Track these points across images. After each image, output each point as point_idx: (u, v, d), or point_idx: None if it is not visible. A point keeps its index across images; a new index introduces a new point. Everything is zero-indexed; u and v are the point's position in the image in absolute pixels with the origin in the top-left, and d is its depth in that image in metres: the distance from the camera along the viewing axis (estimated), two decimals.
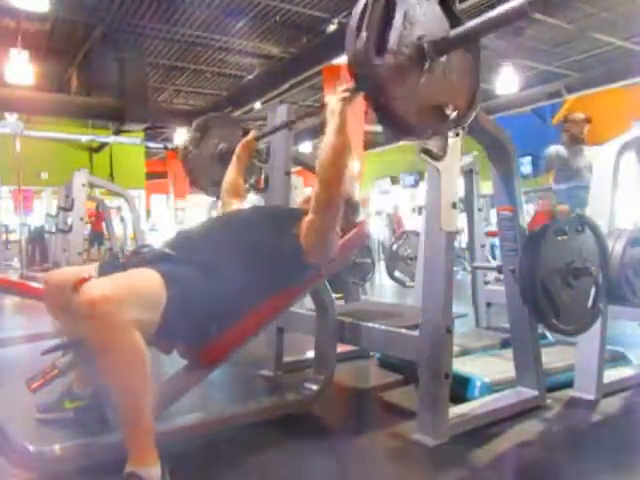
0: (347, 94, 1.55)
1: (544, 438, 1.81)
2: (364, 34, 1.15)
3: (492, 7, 1.16)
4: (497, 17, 1.13)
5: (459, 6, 1.32)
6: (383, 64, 1.16)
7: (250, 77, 8.68)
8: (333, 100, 1.58)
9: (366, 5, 1.17)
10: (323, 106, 1.63)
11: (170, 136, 12.02)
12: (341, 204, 1.60)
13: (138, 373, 1.27)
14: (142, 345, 1.28)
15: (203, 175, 2.48)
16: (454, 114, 1.28)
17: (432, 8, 1.28)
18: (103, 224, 9.17)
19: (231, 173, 2.11)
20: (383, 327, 2.05)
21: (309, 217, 1.62)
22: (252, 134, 2.16)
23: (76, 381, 1.82)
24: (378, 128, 8.14)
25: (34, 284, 2.07)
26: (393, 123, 1.23)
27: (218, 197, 2.28)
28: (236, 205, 2.03)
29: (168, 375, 1.62)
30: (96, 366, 1.32)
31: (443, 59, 1.24)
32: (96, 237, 10.44)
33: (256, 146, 2.22)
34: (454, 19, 1.29)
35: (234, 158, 2.13)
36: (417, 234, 4.27)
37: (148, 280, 1.38)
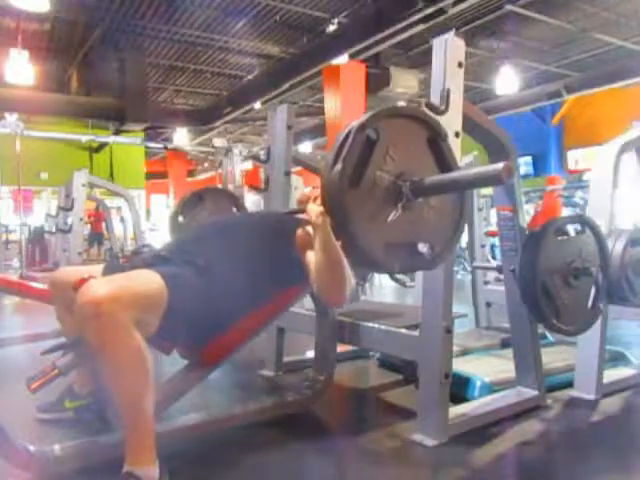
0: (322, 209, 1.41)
1: (544, 438, 1.81)
2: (339, 166, 1.13)
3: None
4: (478, 176, 1.14)
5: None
6: (355, 197, 1.14)
7: (250, 77, 8.68)
8: (314, 212, 1.42)
9: (348, 134, 1.16)
10: (303, 210, 1.51)
11: (170, 136, 12.01)
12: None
13: (139, 373, 1.27)
14: (143, 345, 1.28)
15: None
16: (428, 252, 1.26)
17: (419, 146, 1.26)
18: (103, 224, 9.20)
19: None
20: (383, 327, 2.05)
21: (311, 255, 1.54)
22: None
23: (77, 381, 1.82)
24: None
25: (34, 284, 2.07)
26: (356, 255, 1.21)
27: None
28: None
29: (168, 375, 1.62)
30: (97, 366, 1.32)
31: (421, 199, 1.23)
32: (96, 237, 10.44)
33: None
34: (441, 160, 1.28)
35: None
36: None
37: (149, 281, 1.38)
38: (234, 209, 2.49)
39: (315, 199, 1.46)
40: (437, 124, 1.33)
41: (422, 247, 1.25)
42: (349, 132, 1.16)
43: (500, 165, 1.08)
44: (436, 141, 1.30)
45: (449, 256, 1.32)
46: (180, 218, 2.46)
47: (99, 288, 1.26)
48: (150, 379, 1.29)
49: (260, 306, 1.67)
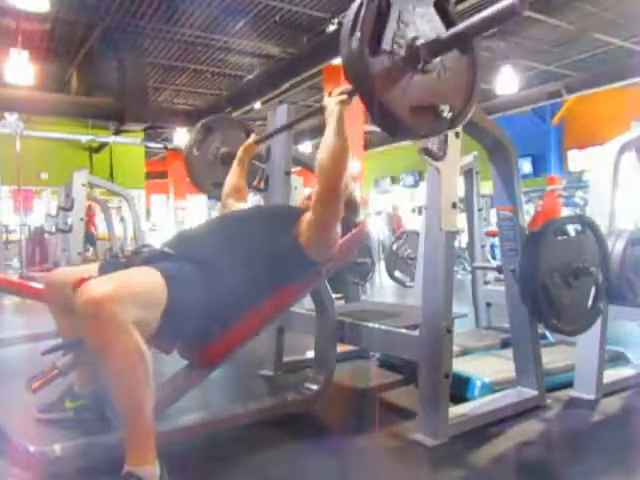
0: (344, 96, 1.55)
1: (544, 438, 1.81)
2: (358, 33, 1.15)
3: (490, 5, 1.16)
4: (489, 17, 1.13)
5: (458, 7, 1.33)
6: (377, 63, 1.16)
7: (250, 77, 8.68)
8: (331, 102, 1.57)
9: (360, 5, 1.18)
10: (321, 109, 1.63)
11: (170, 136, 12.01)
12: (341, 204, 1.59)
13: (138, 373, 1.27)
14: (142, 344, 1.28)
15: (204, 176, 2.48)
16: (450, 114, 1.28)
17: (427, 10, 1.28)
18: (94, 225, 9.16)
19: (232, 176, 2.12)
20: (383, 327, 2.05)
21: (309, 216, 1.62)
22: (252, 138, 2.18)
23: (77, 381, 1.82)
24: (378, 128, 8.14)
25: (34, 284, 2.07)
26: (387, 123, 1.24)
27: (218, 199, 2.29)
28: (236, 207, 2.03)
29: (168, 375, 1.62)
30: (97, 366, 1.32)
31: (437, 59, 1.25)
32: (87, 238, 10.40)
33: (257, 149, 2.23)
34: (448, 21, 1.29)
35: (235, 161, 2.14)
36: (417, 234, 4.27)
37: (149, 279, 1.38)
38: (244, 136, 2.47)
39: (330, 94, 1.60)
40: None
41: (444, 110, 1.28)
42: (361, 2, 1.18)
43: None
44: (442, 2, 1.31)
45: (469, 113, 1.34)
46: (195, 151, 2.46)
47: (98, 287, 1.26)
48: (150, 379, 1.29)
49: (261, 304, 1.67)
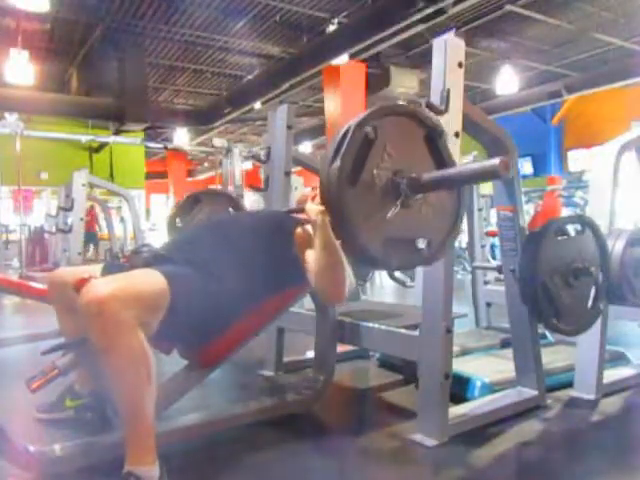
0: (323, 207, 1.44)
1: (544, 438, 1.81)
2: (338, 162, 1.14)
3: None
4: (474, 173, 1.15)
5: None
6: (353, 194, 1.15)
7: (250, 77, 8.67)
8: (313, 211, 1.47)
9: (346, 132, 1.16)
10: (302, 209, 1.56)
11: (170, 136, 12.01)
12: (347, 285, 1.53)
13: (141, 372, 1.27)
14: (145, 344, 1.28)
15: None
16: (426, 248, 1.27)
17: (417, 143, 1.27)
18: (98, 224, 9.16)
19: None
20: (383, 327, 2.05)
21: (310, 251, 1.55)
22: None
23: (78, 380, 1.82)
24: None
25: (34, 284, 2.07)
26: (357, 252, 1.22)
27: None
28: None
29: (168, 375, 1.62)
30: (99, 365, 1.32)
31: (419, 196, 1.24)
32: (90, 238, 10.40)
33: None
34: (438, 157, 1.29)
35: None
36: None
37: (151, 280, 1.38)
38: (231, 210, 2.48)
39: (314, 198, 1.48)
40: (434, 122, 1.33)
41: (420, 243, 1.26)
42: (347, 129, 1.17)
43: (497, 160, 1.09)
44: (433, 138, 1.31)
45: (447, 252, 1.33)
46: (178, 221, 2.46)
47: (103, 287, 1.26)
48: (152, 379, 1.29)
49: (260, 305, 1.67)
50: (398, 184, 1.19)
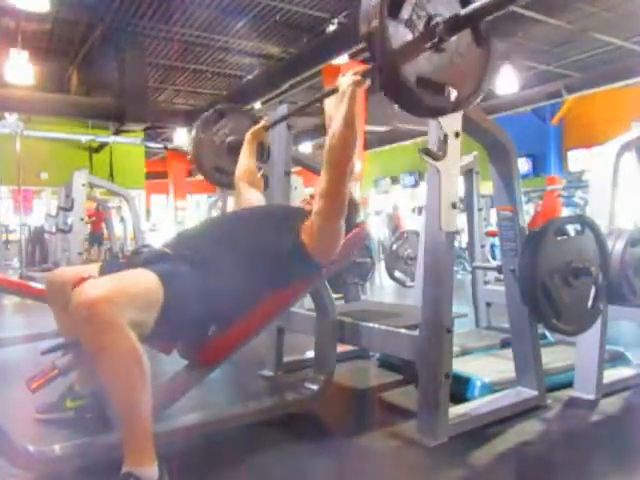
0: (358, 77, 1.54)
1: (544, 438, 1.81)
2: None
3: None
4: None
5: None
6: (393, 26, 1.17)
7: (250, 77, 8.68)
8: (344, 82, 1.56)
9: None
10: (335, 89, 1.62)
11: (170, 136, 12.00)
12: (347, 194, 1.58)
13: (134, 373, 1.27)
14: (137, 345, 1.27)
15: (208, 159, 2.49)
16: (455, 96, 1.29)
17: None
18: (102, 225, 9.17)
19: (243, 158, 2.18)
20: (383, 327, 2.05)
21: (316, 209, 1.60)
22: (262, 123, 2.25)
23: (78, 380, 1.82)
24: (378, 128, 8.14)
25: (34, 284, 2.07)
26: (394, 87, 1.23)
27: (220, 184, 2.31)
28: (250, 194, 2.07)
29: (168, 375, 1.62)
30: (93, 366, 1.32)
31: (453, 39, 1.26)
32: (95, 238, 10.42)
33: (264, 135, 2.27)
34: (466, 4, 1.30)
35: (244, 145, 2.21)
36: (417, 234, 4.27)
37: (144, 280, 1.38)
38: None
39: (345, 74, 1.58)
40: None
41: (450, 90, 1.28)
42: None
43: None
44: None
45: (473, 101, 1.34)
46: (202, 134, 2.48)
47: (93, 289, 1.25)
48: (146, 379, 1.29)
49: (260, 304, 1.67)
50: (435, 24, 1.22)
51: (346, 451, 1.72)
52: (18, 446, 1.36)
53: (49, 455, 1.42)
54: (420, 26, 1.22)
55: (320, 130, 9.31)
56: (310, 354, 2.34)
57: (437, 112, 1.40)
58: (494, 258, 6.15)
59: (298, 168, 3.21)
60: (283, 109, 2.49)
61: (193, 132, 2.50)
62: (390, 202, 12.22)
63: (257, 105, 9.05)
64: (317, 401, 2.01)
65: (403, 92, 1.23)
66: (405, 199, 13.08)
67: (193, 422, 1.71)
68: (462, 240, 7.03)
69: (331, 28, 6.56)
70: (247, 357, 2.39)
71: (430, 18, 1.22)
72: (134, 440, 1.29)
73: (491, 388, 2.06)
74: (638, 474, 1.59)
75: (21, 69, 6.52)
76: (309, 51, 6.95)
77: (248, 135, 2.21)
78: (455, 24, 1.24)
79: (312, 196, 1.84)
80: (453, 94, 1.29)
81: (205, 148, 2.49)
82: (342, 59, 6.63)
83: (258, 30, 7.04)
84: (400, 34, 1.19)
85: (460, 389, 2.04)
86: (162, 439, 1.36)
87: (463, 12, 1.24)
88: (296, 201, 3.25)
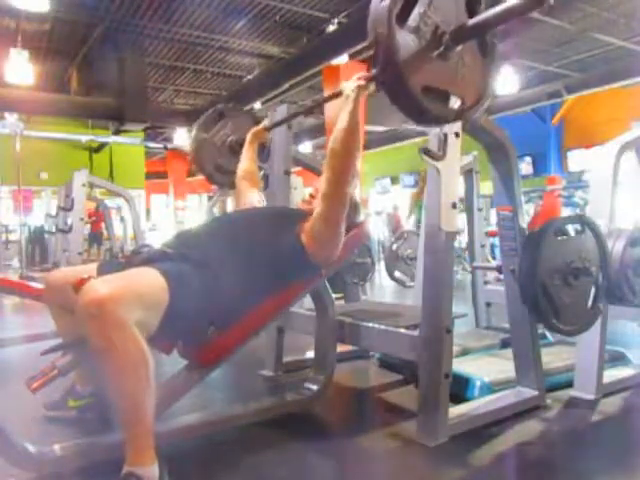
0: (362, 82, 1.54)
1: (544, 438, 1.81)
2: (388, 0, 1.17)
3: None
4: (513, 7, 1.15)
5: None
6: (400, 33, 1.18)
7: (250, 77, 8.68)
8: (348, 87, 1.57)
9: None
10: (339, 93, 1.63)
11: (170, 136, 12.00)
12: (348, 196, 1.58)
13: (140, 373, 1.27)
14: (144, 344, 1.28)
15: (210, 161, 2.50)
16: (458, 105, 1.30)
17: (457, 2, 1.30)
18: (102, 224, 9.18)
19: (244, 159, 2.20)
20: (383, 327, 2.05)
21: (317, 211, 1.60)
22: (263, 124, 2.26)
23: (79, 380, 1.82)
24: (378, 128, 8.14)
25: (34, 284, 2.07)
26: (398, 94, 1.24)
27: (221, 184, 2.32)
28: (250, 194, 2.07)
29: (168, 375, 1.62)
30: (97, 365, 1.32)
31: (459, 49, 1.26)
32: (95, 238, 10.42)
33: (266, 136, 2.29)
34: (473, 14, 1.31)
35: (245, 145, 2.22)
36: (417, 234, 4.27)
37: (150, 279, 1.38)
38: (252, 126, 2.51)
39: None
40: None
41: (454, 99, 1.30)
42: None
43: None
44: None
45: (477, 111, 1.36)
46: (202, 134, 2.49)
47: (101, 287, 1.25)
48: (151, 379, 1.29)
49: (261, 304, 1.67)
50: (442, 32, 1.23)
51: (346, 451, 1.71)
52: (18, 446, 1.36)
53: (49, 455, 1.42)
54: (427, 34, 1.23)
55: (320, 130, 9.31)
56: (310, 354, 2.34)
57: (441, 121, 1.41)
58: (494, 258, 6.15)
59: (298, 168, 3.21)
60: (283, 109, 2.49)
61: (194, 132, 2.51)
62: (390, 202, 12.22)
63: (257, 105, 9.05)
64: (317, 401, 2.01)
65: (408, 100, 1.24)
66: (405, 199, 13.08)
67: (193, 422, 1.71)
68: (462, 240, 7.03)
69: (331, 28, 6.56)
70: (247, 357, 2.39)
71: (437, 27, 1.23)
72: (136, 439, 1.29)
73: (491, 388, 2.06)
74: (638, 474, 1.59)
75: (21, 69, 6.52)
76: (309, 51, 6.95)
77: (249, 136, 2.22)
78: (462, 34, 1.25)
79: (312, 195, 1.85)
80: (457, 103, 1.30)
81: (206, 148, 2.49)
82: (342, 59, 6.63)
83: (258, 30, 7.04)
84: (407, 42, 1.20)
85: (460, 389, 2.04)
86: (162, 439, 1.36)
87: (470, 22, 1.25)
88: (296, 200, 3.26)
